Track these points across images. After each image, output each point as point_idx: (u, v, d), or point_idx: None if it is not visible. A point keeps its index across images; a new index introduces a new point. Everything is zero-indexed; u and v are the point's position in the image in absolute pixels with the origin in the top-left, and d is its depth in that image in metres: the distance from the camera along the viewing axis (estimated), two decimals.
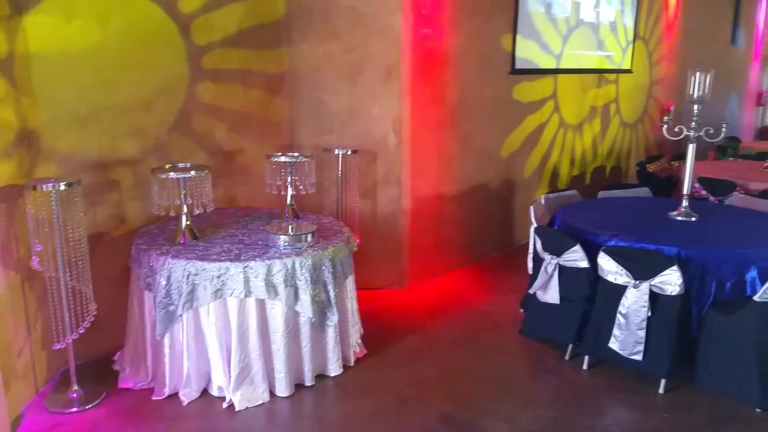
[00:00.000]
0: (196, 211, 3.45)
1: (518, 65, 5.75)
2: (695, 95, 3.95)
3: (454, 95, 5.15)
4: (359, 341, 3.82)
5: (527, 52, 5.84)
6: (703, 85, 3.91)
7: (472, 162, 5.47)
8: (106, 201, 3.70)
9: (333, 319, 3.42)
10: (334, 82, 4.69)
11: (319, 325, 3.37)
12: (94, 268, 3.25)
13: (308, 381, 3.42)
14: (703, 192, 5.35)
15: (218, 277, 3.11)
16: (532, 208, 4.28)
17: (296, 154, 4.09)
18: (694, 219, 4.00)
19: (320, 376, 3.51)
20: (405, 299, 4.80)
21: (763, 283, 3.18)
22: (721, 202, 5.03)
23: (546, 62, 6.15)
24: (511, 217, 6.12)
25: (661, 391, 3.37)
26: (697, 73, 3.91)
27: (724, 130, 4.07)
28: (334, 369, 3.54)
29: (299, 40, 4.60)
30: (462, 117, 5.27)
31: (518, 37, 5.68)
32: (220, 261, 3.14)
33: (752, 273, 3.32)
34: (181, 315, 3.13)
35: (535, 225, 4.15)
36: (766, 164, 5.96)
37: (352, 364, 3.69)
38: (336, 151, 4.49)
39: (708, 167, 6.12)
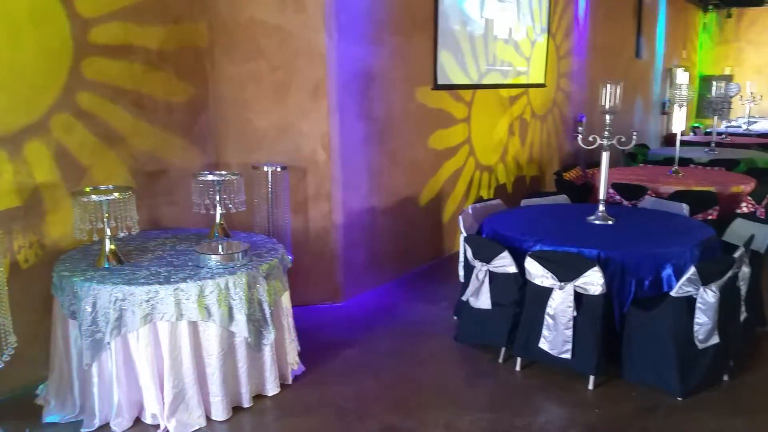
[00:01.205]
0: (121, 235, 3.33)
1: (440, 81, 5.91)
2: (607, 106, 4.18)
3: (381, 111, 5.23)
4: (297, 358, 3.79)
5: (449, 68, 6.02)
6: (613, 96, 4.15)
7: (401, 175, 5.57)
8: (23, 227, 3.51)
9: (269, 337, 3.38)
10: (261, 100, 4.66)
11: (255, 344, 3.32)
12: (12, 299, 3.07)
13: (246, 402, 3.36)
14: (618, 197, 5.66)
15: (147, 301, 3.01)
16: (461, 218, 4.41)
17: (224, 173, 4.03)
18: (611, 222, 4.23)
19: (258, 397, 3.44)
20: (340, 313, 4.80)
21: (678, 280, 3.40)
22: (635, 205, 5.34)
23: (465, 78, 6.35)
24: (440, 228, 6.25)
25: (590, 386, 3.53)
26: (608, 85, 4.15)
27: (634, 137, 4.33)
28: (272, 388, 3.49)
29: (223, 59, 4.55)
30: (390, 132, 5.36)
31: (439, 54, 5.84)
32: (149, 284, 3.04)
33: (668, 270, 3.55)
34: (109, 342, 3.01)
35: (464, 234, 4.27)
36: (672, 169, 6.37)
37: (290, 382, 3.65)
38: (265, 168, 4.46)
39: (621, 173, 6.48)
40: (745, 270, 3.69)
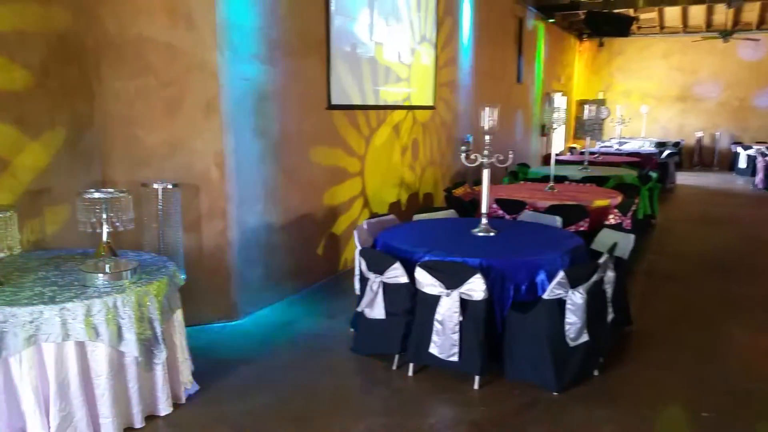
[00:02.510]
0: (1, 255, 3.18)
1: (334, 101, 6.07)
2: (486, 127, 4.50)
3: (276, 129, 5.30)
4: (190, 377, 3.74)
5: (342, 89, 6.19)
6: (492, 118, 4.48)
7: (297, 192, 5.65)
8: None
9: (161, 356, 3.33)
10: (151, 117, 4.60)
11: (146, 363, 3.26)
12: None
13: (138, 423, 3.28)
14: (500, 211, 6.05)
15: (31, 322, 2.90)
16: (356, 232, 4.55)
17: (111, 190, 3.93)
18: (492, 234, 4.53)
19: (150, 417, 3.38)
20: (236, 331, 4.78)
21: (550, 284, 3.72)
22: (515, 218, 5.72)
23: (359, 98, 6.56)
24: (336, 244, 6.37)
25: (476, 386, 3.76)
26: (487, 108, 4.47)
27: (511, 156, 4.68)
28: (164, 408, 3.43)
29: (110, 75, 4.46)
30: (285, 149, 5.43)
31: (332, 75, 6.01)
32: (32, 305, 2.93)
33: (541, 276, 3.87)
34: None
35: (359, 248, 4.41)
36: (548, 185, 6.88)
37: (183, 401, 3.60)
38: (155, 186, 4.39)
39: (504, 190, 6.92)
40: (610, 274, 4.09)
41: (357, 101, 6.53)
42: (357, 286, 4.62)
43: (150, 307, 3.28)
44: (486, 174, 4.55)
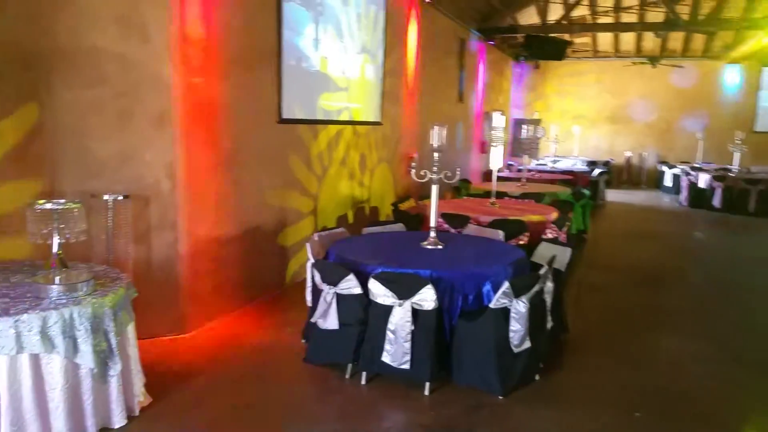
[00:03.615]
0: None
1: (285, 115, 6.17)
2: (435, 145, 4.71)
3: (227, 141, 5.35)
4: (143, 390, 3.74)
5: (292, 103, 6.30)
6: (440, 136, 4.69)
7: (248, 204, 5.70)
8: None
9: (116, 368, 3.33)
10: (102, 128, 4.58)
11: (101, 376, 3.26)
12: None
13: None
14: (446, 225, 6.27)
15: None
16: (308, 245, 4.66)
17: (63, 201, 3.90)
18: (440, 247, 4.73)
19: (104, 429, 3.36)
20: (187, 344, 4.77)
21: (495, 294, 3.93)
22: (460, 232, 5.95)
23: (308, 113, 6.68)
24: (286, 256, 6.43)
25: (426, 392, 3.92)
26: (436, 127, 4.68)
27: (458, 173, 4.91)
28: (118, 420, 3.42)
29: (62, 86, 4.42)
30: (236, 162, 5.48)
31: (284, 89, 6.10)
32: None
33: (487, 287, 4.08)
34: None
35: (312, 260, 4.52)
36: (490, 201, 7.18)
37: (137, 413, 3.59)
38: (105, 197, 4.37)
39: (448, 204, 7.16)
40: (549, 285, 4.35)
41: (307, 116, 6.65)
42: (309, 297, 4.72)
43: (105, 319, 3.28)
44: (435, 189, 4.75)
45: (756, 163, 16.04)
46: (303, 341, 4.74)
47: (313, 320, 4.31)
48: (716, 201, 12.92)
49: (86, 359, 3.15)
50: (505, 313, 3.88)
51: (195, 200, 5.02)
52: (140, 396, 3.69)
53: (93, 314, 3.20)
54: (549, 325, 4.42)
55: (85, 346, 3.15)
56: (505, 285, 3.81)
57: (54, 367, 3.06)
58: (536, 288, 4.03)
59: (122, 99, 4.59)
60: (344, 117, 7.48)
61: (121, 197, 4.43)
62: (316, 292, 4.46)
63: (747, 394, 4.17)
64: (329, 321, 4.17)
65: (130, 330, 3.63)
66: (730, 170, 13.67)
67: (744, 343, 5.13)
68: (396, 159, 9.47)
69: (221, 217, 5.36)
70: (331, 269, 4.17)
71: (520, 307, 3.88)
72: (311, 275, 4.62)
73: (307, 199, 6.81)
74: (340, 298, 4.11)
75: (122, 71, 4.56)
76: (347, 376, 4.15)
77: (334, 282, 4.10)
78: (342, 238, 5.08)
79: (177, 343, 4.78)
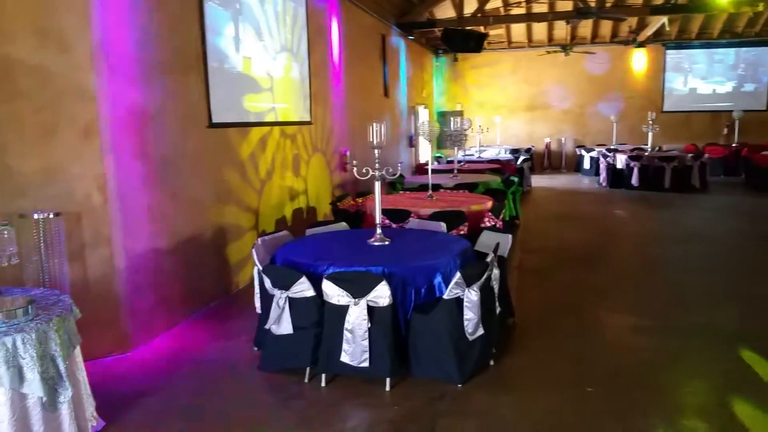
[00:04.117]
0: None
1: (215, 119, 6.02)
2: (375, 142, 4.73)
3: (158, 150, 5.18)
4: (95, 414, 3.58)
5: (221, 107, 6.16)
6: (380, 133, 4.72)
7: (185, 214, 5.53)
8: None
9: (66, 394, 3.17)
10: (24, 144, 4.34)
11: (51, 404, 3.09)
12: None
13: None
14: (387, 221, 6.32)
15: None
16: (254, 250, 4.58)
17: None
18: (387, 243, 4.77)
19: None
20: (132, 362, 4.59)
21: (447, 286, 4.01)
22: (402, 227, 6.02)
23: (238, 116, 6.56)
24: (227, 264, 6.29)
25: (387, 388, 3.95)
26: (375, 124, 4.71)
27: (399, 168, 4.96)
28: None
29: None
30: (169, 171, 5.31)
31: (211, 93, 5.95)
32: None
33: (438, 279, 4.15)
34: None
35: (260, 266, 4.45)
36: (428, 194, 7.29)
37: None
38: (35, 216, 4.14)
39: (386, 200, 7.20)
40: (496, 272, 4.48)
41: (236, 119, 6.52)
42: (258, 304, 4.64)
43: (51, 344, 3.11)
44: (378, 186, 4.77)
45: (666, 141, 17.07)
46: (255, 349, 4.66)
47: (266, 327, 4.25)
48: (634, 180, 13.64)
49: (34, 388, 2.98)
50: (458, 302, 3.97)
51: (129, 213, 4.84)
52: (92, 420, 3.53)
53: (38, 340, 3.02)
54: (498, 310, 4.55)
55: (32, 375, 2.98)
56: (457, 275, 3.89)
57: None
58: (486, 275, 4.14)
59: (44, 112, 4.35)
60: (272, 118, 7.38)
61: (51, 215, 4.20)
62: (266, 298, 4.40)
63: (681, 361, 4.44)
64: (283, 326, 4.12)
65: (78, 353, 3.46)
66: (644, 150, 14.47)
67: (673, 313, 5.46)
68: (328, 157, 9.44)
69: (157, 228, 5.19)
70: (282, 273, 4.12)
71: (472, 295, 3.97)
72: (259, 281, 4.56)
73: (244, 204, 6.69)
74: (293, 302, 4.07)
75: (42, 83, 4.32)
76: (306, 380, 4.12)
77: (286, 286, 4.06)
78: (287, 241, 5.02)
79: (121, 362, 4.59)
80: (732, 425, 3.50)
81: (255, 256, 4.54)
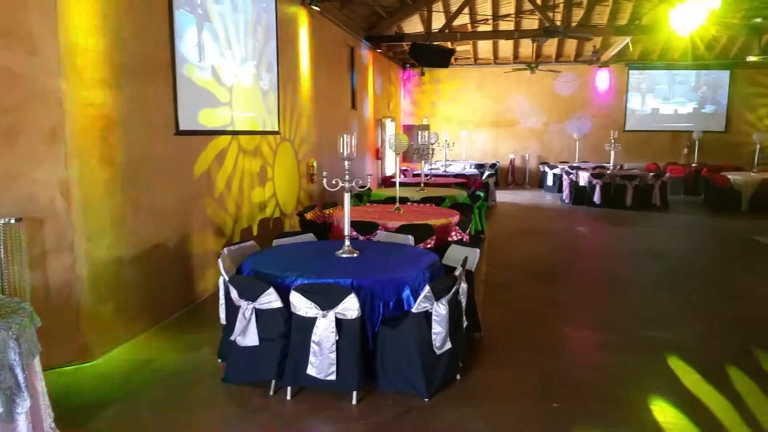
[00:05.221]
0: None
1: (182, 126, 5.95)
2: (345, 153, 4.74)
3: (125, 156, 5.09)
4: (53, 425, 3.47)
5: (189, 113, 6.09)
6: (350, 144, 4.73)
7: (148, 222, 5.44)
8: None
9: (24, 405, 3.06)
10: None
11: (8, 415, 2.99)
12: None
13: None
14: (355, 233, 6.32)
15: None
16: (220, 260, 4.51)
17: None
18: (356, 255, 4.77)
19: None
20: (93, 373, 4.48)
21: (415, 299, 4.03)
22: (369, 239, 6.03)
23: (205, 123, 6.49)
24: (191, 274, 6.19)
25: (354, 401, 3.94)
26: (345, 135, 4.72)
27: (369, 179, 4.97)
28: None
29: None
30: (134, 178, 5.22)
31: (179, 99, 5.88)
32: None
33: (407, 292, 4.16)
34: None
35: (226, 276, 4.39)
36: (394, 207, 7.32)
37: None
38: None
39: (353, 212, 7.21)
40: (464, 286, 4.52)
41: (204, 126, 6.45)
42: (222, 315, 4.58)
43: (10, 352, 3.01)
44: (347, 198, 4.78)
45: (628, 160, 17.54)
46: (219, 361, 4.60)
47: (231, 338, 4.19)
48: (596, 197, 13.95)
49: None
50: (426, 316, 3.99)
51: (92, 220, 4.74)
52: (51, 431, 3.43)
53: None
54: (464, 324, 4.59)
55: None
56: (426, 289, 3.92)
57: None
58: (454, 289, 4.17)
59: (8, 115, 4.24)
60: (240, 127, 7.32)
61: (12, 220, 4.08)
62: (231, 309, 4.35)
63: (644, 377, 4.54)
64: (249, 338, 4.07)
65: (37, 362, 3.36)
66: (606, 168, 14.81)
67: (636, 329, 5.58)
68: (296, 167, 9.40)
69: (121, 235, 5.08)
70: (250, 284, 4.08)
71: (440, 309, 4.00)
72: (225, 292, 4.50)
73: (209, 213, 6.60)
74: (259, 313, 4.03)
75: (7, 86, 4.22)
76: (271, 393, 4.07)
77: (253, 297, 4.02)
78: (254, 252, 4.98)
79: (82, 372, 4.48)
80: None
81: (221, 266, 4.48)
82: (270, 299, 3.97)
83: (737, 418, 3.83)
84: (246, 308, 4.06)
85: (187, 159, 6.14)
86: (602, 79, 18.64)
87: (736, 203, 13.51)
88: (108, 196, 4.91)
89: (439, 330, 4.02)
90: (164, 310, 5.72)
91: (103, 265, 4.85)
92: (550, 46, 17.47)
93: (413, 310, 3.97)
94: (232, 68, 7.03)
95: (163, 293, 5.69)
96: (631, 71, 18.68)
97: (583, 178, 14.39)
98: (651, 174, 14.31)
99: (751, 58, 16.27)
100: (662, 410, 3.98)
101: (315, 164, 10.08)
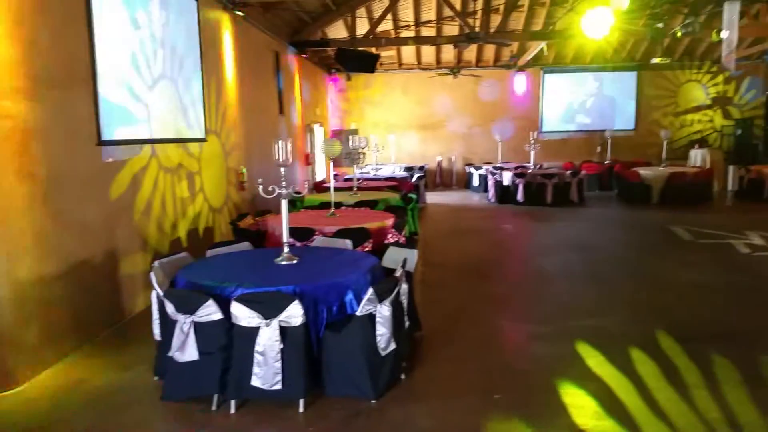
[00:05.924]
0: None
1: (105, 136, 5.69)
2: (280, 159, 4.69)
3: (44, 169, 4.82)
4: None
5: (111, 122, 5.84)
6: (285, 150, 4.68)
7: (74, 237, 5.18)
8: None
9: None
10: None
11: None
12: None
13: None
14: (291, 239, 6.24)
15: None
16: (152, 274, 4.35)
17: None
18: (296, 261, 4.72)
19: None
20: (19, 400, 4.21)
21: (358, 303, 4.03)
22: (307, 245, 5.98)
23: (129, 132, 6.25)
24: (119, 289, 5.93)
25: (301, 410, 3.89)
26: (280, 142, 4.66)
27: (306, 186, 4.94)
28: None
29: None
30: (55, 191, 4.95)
31: (101, 108, 5.63)
32: None
33: (349, 296, 4.16)
34: None
35: (159, 291, 4.24)
36: (330, 212, 7.29)
37: None
38: None
39: (290, 218, 7.12)
40: (405, 286, 4.56)
41: (127, 135, 6.20)
42: (156, 331, 4.43)
43: None
44: (284, 204, 4.72)
45: (547, 159, 18.19)
46: (156, 378, 4.43)
47: (169, 354, 4.04)
48: (519, 196, 14.41)
49: None
50: (370, 318, 4.00)
51: (12, 238, 4.46)
52: None
53: None
54: (406, 324, 4.62)
55: None
56: (370, 291, 3.93)
57: None
58: (396, 290, 4.20)
59: None
60: (165, 134, 7.08)
61: None
62: (166, 324, 4.20)
63: (576, 365, 4.73)
64: (188, 352, 3.94)
65: None
66: (527, 167, 15.33)
67: (566, 319, 5.80)
68: (225, 176, 9.19)
69: (44, 253, 4.81)
70: (187, 297, 3.96)
71: (384, 311, 4.02)
72: (159, 306, 4.34)
73: (136, 225, 6.35)
74: (198, 327, 3.91)
75: None
76: (213, 408, 3.95)
77: (191, 310, 3.89)
78: (188, 263, 4.83)
79: (5, 401, 4.19)
80: (627, 422, 3.77)
81: (153, 280, 4.31)
82: (209, 311, 3.86)
83: (652, 395, 4.07)
84: (184, 322, 3.92)
85: (111, 170, 5.87)
86: (520, 82, 19.26)
87: (647, 196, 14.33)
88: (28, 213, 4.64)
89: (383, 331, 4.03)
90: (94, 329, 5.44)
91: (25, 285, 4.57)
92: (471, 51, 17.91)
93: (357, 313, 3.97)
94: (155, 73, 6.80)
95: (91, 311, 5.42)
96: (546, 75, 19.42)
97: (507, 178, 14.82)
98: (568, 172, 14.94)
99: (655, 60, 17.34)
100: (597, 395, 4.15)
101: (245, 172, 9.90)
